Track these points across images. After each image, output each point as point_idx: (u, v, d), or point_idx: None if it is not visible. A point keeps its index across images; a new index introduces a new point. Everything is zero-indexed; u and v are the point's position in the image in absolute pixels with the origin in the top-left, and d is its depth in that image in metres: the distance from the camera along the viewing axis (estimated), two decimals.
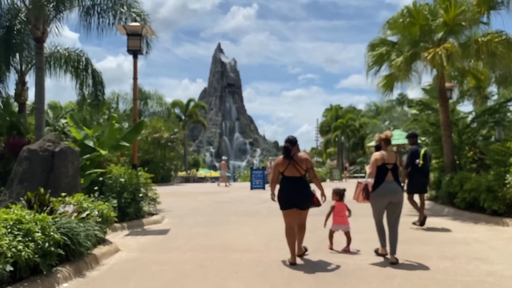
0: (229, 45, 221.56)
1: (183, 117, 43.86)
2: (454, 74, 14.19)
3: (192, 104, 44.11)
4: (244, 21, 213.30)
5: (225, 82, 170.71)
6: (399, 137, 18.96)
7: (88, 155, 9.18)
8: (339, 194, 6.76)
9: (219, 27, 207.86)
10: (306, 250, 6.26)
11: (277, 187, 6.05)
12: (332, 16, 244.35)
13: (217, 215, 10.96)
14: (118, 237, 8.10)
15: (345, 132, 47.78)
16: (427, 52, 10.73)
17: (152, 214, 10.30)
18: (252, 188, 21.27)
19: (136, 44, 10.17)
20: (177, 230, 8.73)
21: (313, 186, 6.10)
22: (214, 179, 57.23)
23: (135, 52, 10.32)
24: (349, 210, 6.82)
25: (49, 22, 13.57)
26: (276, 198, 5.94)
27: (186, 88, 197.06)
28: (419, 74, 13.07)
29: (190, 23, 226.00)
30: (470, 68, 12.64)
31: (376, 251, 6.16)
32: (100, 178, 9.36)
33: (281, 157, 5.88)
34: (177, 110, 43.40)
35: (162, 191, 20.54)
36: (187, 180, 37.66)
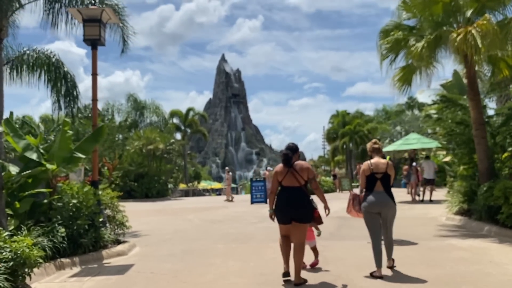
0: (235, 57, 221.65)
1: (182, 127, 41.95)
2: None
3: (191, 113, 42.19)
4: (250, 32, 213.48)
5: (230, 92, 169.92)
6: (416, 142, 16.78)
7: (29, 171, 7.18)
8: None
9: (225, 40, 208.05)
10: (305, 281, 5.24)
11: None
12: (336, 25, 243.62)
13: (201, 241, 8.88)
14: (59, 279, 6.07)
15: (353, 139, 45.48)
16: (456, 32, 8.66)
17: (119, 242, 8.25)
18: (252, 202, 19.17)
19: (95, 32, 8.24)
20: (141, 267, 6.65)
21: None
22: (219, 191, 55.15)
23: (94, 42, 8.38)
24: (316, 228, 6.11)
25: (8, 17, 11.71)
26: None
27: (194, 100, 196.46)
28: (441, 65, 11.08)
29: (196, 36, 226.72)
30: (504, 55, 10.51)
31: (372, 274, 5.51)
32: (46, 200, 7.34)
33: (280, 165, 5.39)
34: (176, 120, 41.53)
35: (151, 208, 18.57)
36: (187, 193, 35.62)
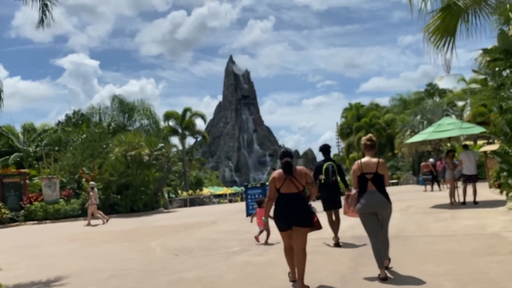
0: (247, 59, 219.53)
1: (180, 130, 38.40)
2: None
3: (188, 114, 38.59)
4: (261, 34, 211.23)
5: (240, 94, 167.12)
6: (453, 127, 12.90)
7: None
8: (259, 202, 9.17)
9: (237, 42, 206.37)
10: None
11: None
12: (345, 21, 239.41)
13: None
14: None
15: (369, 133, 41.45)
16: None
17: None
18: (248, 214, 15.57)
19: None
20: None
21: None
22: (232, 196, 51.55)
23: None
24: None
25: None
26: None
27: (208, 105, 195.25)
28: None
29: (208, 41, 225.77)
30: None
31: (379, 276, 5.18)
32: None
33: (279, 171, 5.18)
34: (171, 123, 38.08)
35: (120, 228, 14.69)
36: (186, 203, 32.11)
